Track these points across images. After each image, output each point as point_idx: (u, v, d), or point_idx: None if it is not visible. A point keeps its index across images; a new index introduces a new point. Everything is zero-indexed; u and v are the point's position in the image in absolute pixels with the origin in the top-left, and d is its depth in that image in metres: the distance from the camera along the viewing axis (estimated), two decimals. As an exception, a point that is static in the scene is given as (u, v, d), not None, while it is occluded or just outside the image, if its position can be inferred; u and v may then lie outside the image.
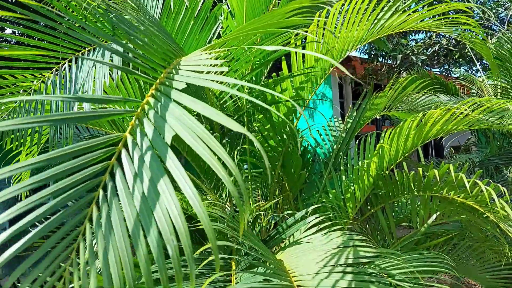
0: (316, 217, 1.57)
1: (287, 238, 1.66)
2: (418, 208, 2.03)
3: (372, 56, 7.04)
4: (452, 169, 1.56)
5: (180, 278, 0.57)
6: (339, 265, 1.20)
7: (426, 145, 9.90)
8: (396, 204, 2.76)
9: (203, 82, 0.76)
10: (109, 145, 0.75)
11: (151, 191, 0.62)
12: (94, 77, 1.55)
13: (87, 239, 0.65)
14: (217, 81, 0.85)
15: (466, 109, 1.63)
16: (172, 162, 0.64)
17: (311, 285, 1.15)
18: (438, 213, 1.87)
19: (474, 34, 2.00)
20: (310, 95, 1.96)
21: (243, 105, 1.97)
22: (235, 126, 0.63)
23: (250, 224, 1.75)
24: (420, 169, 1.69)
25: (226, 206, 2.15)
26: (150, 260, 0.60)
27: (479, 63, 6.82)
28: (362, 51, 7.20)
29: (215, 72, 0.81)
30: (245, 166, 2.72)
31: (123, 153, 0.72)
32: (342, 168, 2.16)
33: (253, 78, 2.00)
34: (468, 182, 1.53)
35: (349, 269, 1.17)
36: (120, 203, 0.65)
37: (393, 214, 2.45)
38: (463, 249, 2.25)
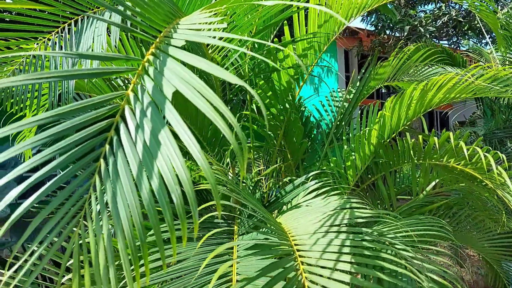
0: (316, 183, 1.60)
1: (287, 203, 1.70)
2: (418, 178, 2.05)
3: (379, 28, 6.89)
4: (452, 137, 1.56)
5: (185, 222, 0.60)
6: (336, 225, 1.23)
7: (431, 119, 9.83)
8: (397, 176, 2.79)
9: (202, 38, 0.76)
10: (113, 104, 0.77)
11: (153, 143, 0.64)
12: (92, 50, 1.54)
13: (97, 191, 0.67)
14: (218, 38, 0.85)
15: (470, 77, 1.62)
16: (172, 115, 0.65)
17: (308, 243, 1.19)
18: (438, 181, 1.89)
19: (482, 2, 1.95)
20: (313, 62, 1.95)
21: (245, 74, 1.96)
22: (234, 79, 0.64)
23: (251, 190, 1.79)
24: (420, 136, 1.70)
25: (229, 173, 2.18)
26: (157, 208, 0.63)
27: (489, 35, 6.66)
28: (369, 23, 7.04)
29: (214, 30, 0.81)
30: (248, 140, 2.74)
31: (126, 109, 0.74)
32: (344, 137, 2.17)
33: (255, 44, 1.98)
34: (468, 149, 1.53)
35: (345, 229, 1.20)
36: (126, 156, 0.67)
37: (393, 184, 2.47)
38: (462, 218, 2.29)
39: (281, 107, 1.98)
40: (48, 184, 0.61)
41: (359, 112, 2.31)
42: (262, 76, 1.82)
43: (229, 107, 2.14)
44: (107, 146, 0.69)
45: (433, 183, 1.92)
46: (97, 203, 0.66)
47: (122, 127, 0.69)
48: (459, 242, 2.28)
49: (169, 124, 0.69)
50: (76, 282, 0.64)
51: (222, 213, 1.85)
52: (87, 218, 0.66)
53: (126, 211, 0.64)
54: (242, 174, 0.62)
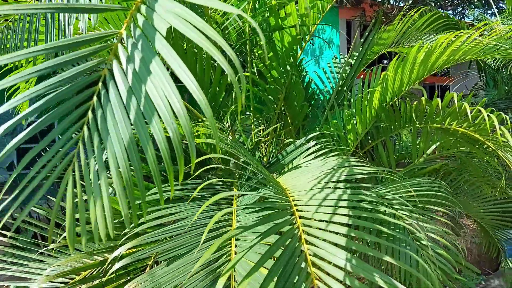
0: (316, 143, 1.59)
1: (286, 165, 1.69)
2: (419, 143, 2.03)
3: (383, -4, 6.70)
4: (456, 98, 1.54)
5: (181, 157, 0.58)
6: (334, 181, 1.23)
7: (432, 92, 9.75)
8: (396, 143, 2.78)
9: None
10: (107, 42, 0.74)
11: (145, 75, 0.62)
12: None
13: (91, 127, 0.66)
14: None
15: (475, 38, 1.57)
16: (165, 49, 0.63)
17: (305, 199, 1.19)
18: (437, 145, 1.87)
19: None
20: (316, 22, 1.89)
21: (246, 33, 1.91)
22: (232, 9, 0.61)
23: (250, 151, 1.78)
24: (423, 98, 1.68)
25: (228, 138, 2.17)
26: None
27: (495, 5, 6.48)
28: (373, -9, 6.84)
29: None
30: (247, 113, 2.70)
31: (120, 48, 0.71)
32: (345, 103, 2.14)
33: (256, 4, 1.91)
34: (472, 110, 1.51)
35: (342, 185, 1.20)
36: (119, 92, 0.65)
37: (393, 150, 2.46)
38: (461, 183, 2.30)
39: (282, 69, 1.95)
40: (42, 118, 0.60)
41: (361, 79, 2.27)
42: (264, 35, 1.77)
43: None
44: (100, 84, 0.67)
45: (433, 147, 1.91)
46: (92, 139, 0.64)
47: (115, 64, 0.67)
48: (457, 207, 2.30)
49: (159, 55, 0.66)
50: (70, 223, 0.63)
51: (223, 173, 1.85)
52: (80, 151, 0.64)
53: (119, 143, 0.62)
54: (240, 103, 0.60)
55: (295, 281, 0.99)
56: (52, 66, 0.65)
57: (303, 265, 1.03)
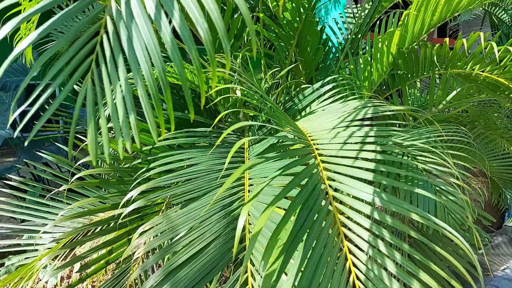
0: (334, 86, 1.52)
1: (302, 110, 1.63)
2: (437, 91, 1.96)
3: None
4: (483, 37, 1.45)
5: (214, 56, 0.52)
6: (358, 120, 1.17)
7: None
8: (409, 98, 2.71)
9: None
10: None
11: None
12: None
13: (109, 33, 0.59)
14: None
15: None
16: None
17: (327, 137, 1.14)
18: (459, 89, 1.80)
19: None
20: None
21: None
22: None
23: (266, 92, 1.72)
24: (446, 39, 1.59)
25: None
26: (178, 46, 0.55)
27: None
28: None
29: None
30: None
31: None
32: (360, 52, 2.05)
33: None
34: (499, 50, 1.43)
35: (365, 127, 1.14)
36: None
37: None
38: (474, 137, 2.25)
39: (296, 12, 1.84)
40: (55, 17, 0.53)
41: (377, 23, 2.15)
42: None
43: (238, 13, 1.99)
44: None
45: (454, 93, 1.84)
46: (111, 46, 0.58)
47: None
48: (469, 161, 2.26)
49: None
50: (92, 131, 0.58)
51: (236, 111, 1.80)
52: (100, 63, 0.58)
53: (143, 53, 0.56)
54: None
55: (314, 219, 0.96)
56: (52, 1, 0.58)
57: (323, 203, 1.00)
